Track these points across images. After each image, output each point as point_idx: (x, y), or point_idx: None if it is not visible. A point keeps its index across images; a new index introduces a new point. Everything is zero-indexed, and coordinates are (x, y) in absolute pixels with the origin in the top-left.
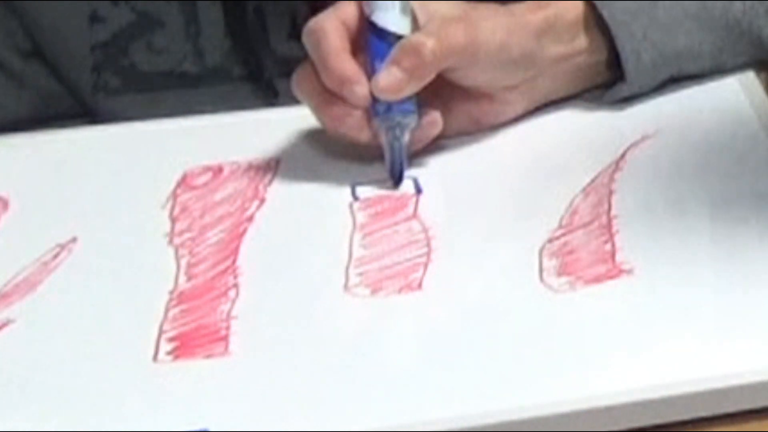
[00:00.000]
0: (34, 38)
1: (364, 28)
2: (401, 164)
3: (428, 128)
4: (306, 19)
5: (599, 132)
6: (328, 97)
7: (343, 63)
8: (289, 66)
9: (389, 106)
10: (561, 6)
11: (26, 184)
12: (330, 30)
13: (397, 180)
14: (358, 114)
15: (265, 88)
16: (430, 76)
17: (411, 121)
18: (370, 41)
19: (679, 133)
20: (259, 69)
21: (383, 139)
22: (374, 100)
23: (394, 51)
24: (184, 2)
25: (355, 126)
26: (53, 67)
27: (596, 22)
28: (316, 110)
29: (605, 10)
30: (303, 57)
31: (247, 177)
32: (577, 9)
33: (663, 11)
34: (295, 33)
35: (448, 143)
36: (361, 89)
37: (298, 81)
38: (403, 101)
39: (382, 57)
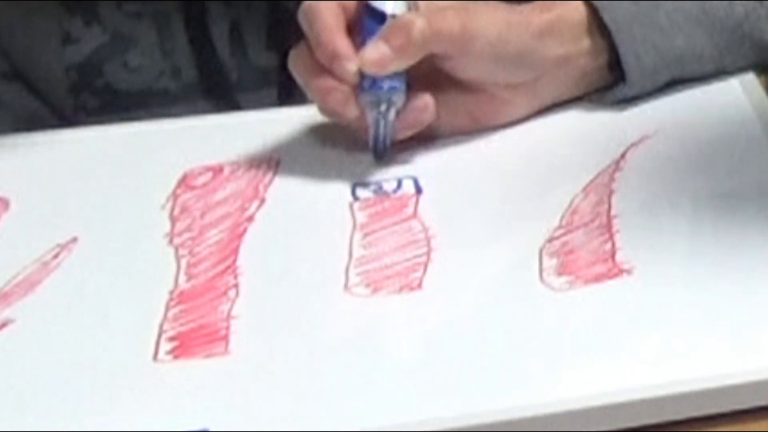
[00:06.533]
0: (11, 60)
1: (360, 10)
2: (385, 140)
3: (419, 112)
4: (286, 27)
5: (599, 132)
6: (318, 71)
7: (335, 38)
8: (267, 77)
9: (375, 81)
10: (564, 9)
11: (26, 184)
12: (325, 8)
13: (379, 155)
14: (346, 89)
15: (234, 105)
16: (417, 56)
17: (398, 99)
18: (365, 22)
19: (680, 133)
20: (230, 84)
21: (368, 115)
22: (362, 76)
23: (385, 28)
24: (158, 20)
25: (342, 100)
26: (33, 88)
27: (598, 25)
28: (306, 84)
29: (606, 13)
30: (281, 66)
31: (247, 177)
32: (579, 12)
33: (664, 14)
34: (273, 43)
35: (448, 143)
36: (351, 65)
37: (293, 58)
38: (390, 78)
39: None
